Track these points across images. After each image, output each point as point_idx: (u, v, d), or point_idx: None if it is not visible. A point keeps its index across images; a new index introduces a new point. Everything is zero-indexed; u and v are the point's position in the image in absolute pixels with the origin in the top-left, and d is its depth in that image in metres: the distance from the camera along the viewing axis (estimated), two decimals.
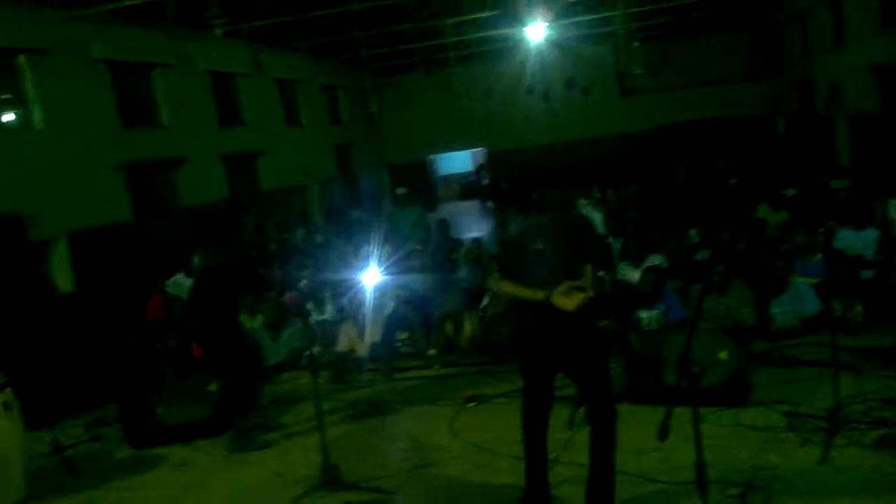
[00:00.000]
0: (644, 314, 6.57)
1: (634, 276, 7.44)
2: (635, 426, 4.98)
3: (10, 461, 4.97)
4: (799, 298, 6.55)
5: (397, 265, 8.36)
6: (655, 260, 7.65)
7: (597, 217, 10.60)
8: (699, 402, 3.23)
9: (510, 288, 3.98)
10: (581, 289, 3.81)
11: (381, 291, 7.55)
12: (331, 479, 4.59)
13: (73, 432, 6.28)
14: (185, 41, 14.19)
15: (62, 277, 10.61)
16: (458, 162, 28.51)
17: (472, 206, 24.97)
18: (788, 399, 5.08)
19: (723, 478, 4.03)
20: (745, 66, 23.56)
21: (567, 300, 3.77)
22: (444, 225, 10.48)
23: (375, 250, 8.30)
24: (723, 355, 5.23)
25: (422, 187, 21.52)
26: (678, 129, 22.01)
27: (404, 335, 7.42)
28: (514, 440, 5.08)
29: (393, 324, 7.38)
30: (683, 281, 7.31)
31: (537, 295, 3.82)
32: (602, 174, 17.46)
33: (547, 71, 22.26)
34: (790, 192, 10.71)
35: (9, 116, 10.60)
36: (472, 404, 5.91)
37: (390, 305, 7.66)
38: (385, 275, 6.95)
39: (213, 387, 6.03)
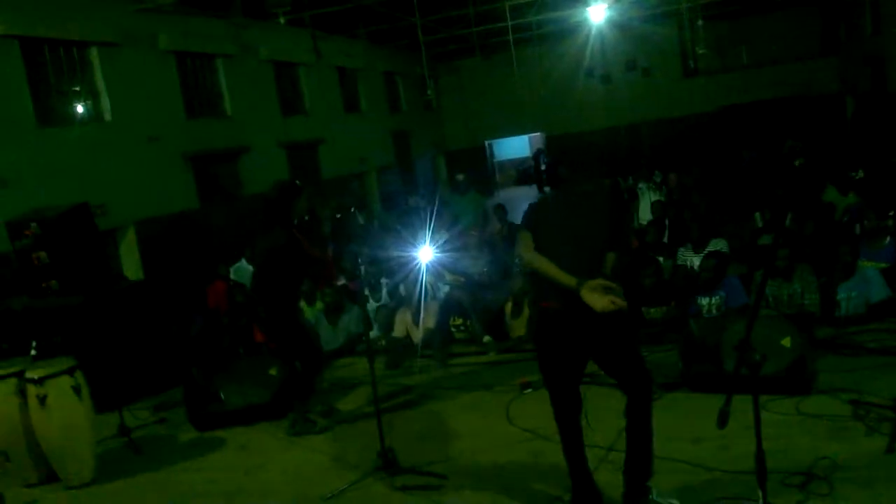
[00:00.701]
0: (704, 300, 6.44)
1: (695, 260, 7.30)
2: (693, 414, 4.92)
3: (80, 442, 5.20)
4: (866, 284, 6.32)
5: (453, 249, 8.38)
6: (718, 245, 7.48)
7: (653, 200, 10.44)
8: (760, 390, 3.15)
9: (543, 263, 3.70)
10: (612, 290, 3.56)
11: (436, 275, 7.59)
12: (387, 463, 4.65)
13: (139, 415, 6.50)
14: (248, 30, 14.44)
15: (130, 265, 10.99)
16: (516, 147, 28.37)
17: (529, 191, 24.83)
18: (853, 387, 4.91)
19: (783, 467, 3.93)
20: (814, 45, 22.73)
21: (597, 299, 3.53)
22: (501, 210, 10.45)
23: (431, 235, 8.33)
24: (785, 342, 5.08)
25: (479, 173, 21.52)
26: (743, 110, 21.39)
27: (459, 321, 7.43)
28: None
29: (447, 310, 7.40)
30: (747, 266, 7.14)
31: (569, 281, 3.59)
32: (663, 158, 17.15)
33: (607, 52, 21.91)
34: (859, 174, 10.34)
35: (80, 108, 10.96)
36: (527, 391, 5.89)
37: (445, 290, 7.69)
38: (439, 256, 6.97)
39: (273, 371, 6.17)
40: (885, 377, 4.90)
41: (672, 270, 7.54)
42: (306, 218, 5.55)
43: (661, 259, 7.53)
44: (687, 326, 5.75)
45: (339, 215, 5.24)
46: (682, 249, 7.79)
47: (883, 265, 6.49)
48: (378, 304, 7.99)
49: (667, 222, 9.01)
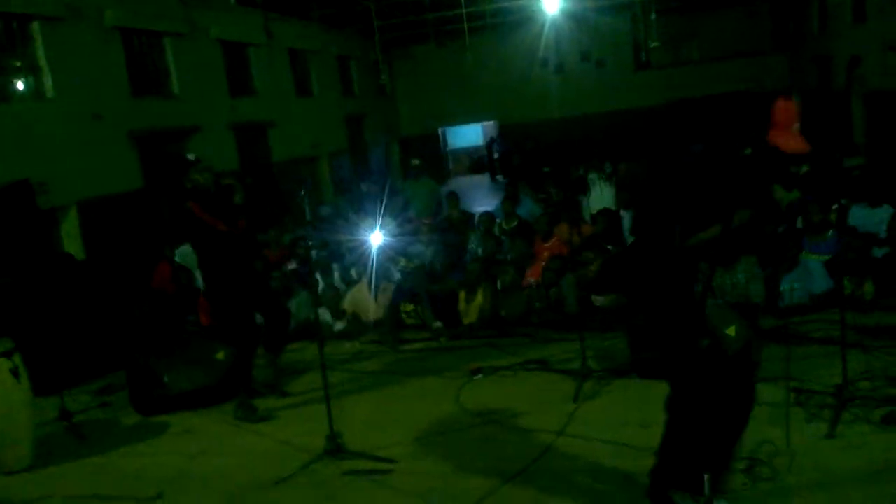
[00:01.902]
0: None
1: None
2: (642, 400, 4.99)
3: (18, 426, 5.04)
4: (809, 275, 6.49)
5: (405, 234, 8.35)
6: None
7: (607, 191, 10.52)
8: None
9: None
10: None
11: (388, 259, 7.56)
12: (335, 448, 4.61)
13: (81, 399, 6.34)
14: (198, 9, 14.11)
15: (73, 245, 10.66)
16: (469, 135, 28.36)
17: (482, 179, 24.88)
18: (796, 375, 5.04)
19: None
20: (764, 41, 23.20)
21: None
22: (453, 197, 10.43)
23: (384, 219, 8.29)
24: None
25: (432, 160, 21.45)
26: (693, 104, 21.73)
27: (409, 307, 7.40)
28: (519, 411, 5.12)
29: (398, 296, 7.37)
30: None
31: None
32: (615, 149, 17.32)
33: (562, 43, 22.03)
34: (803, 169, 10.57)
35: (20, 84, 10.58)
36: (478, 376, 5.91)
37: (396, 275, 7.66)
38: (390, 241, 6.95)
39: (220, 355, 6.05)
40: (826, 366, 5.03)
41: None
42: (211, 191, 5.43)
43: (610, 248, 7.60)
44: (635, 314, 5.81)
45: (249, 180, 5.24)
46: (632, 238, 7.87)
47: (825, 257, 6.65)
48: (327, 285, 7.90)
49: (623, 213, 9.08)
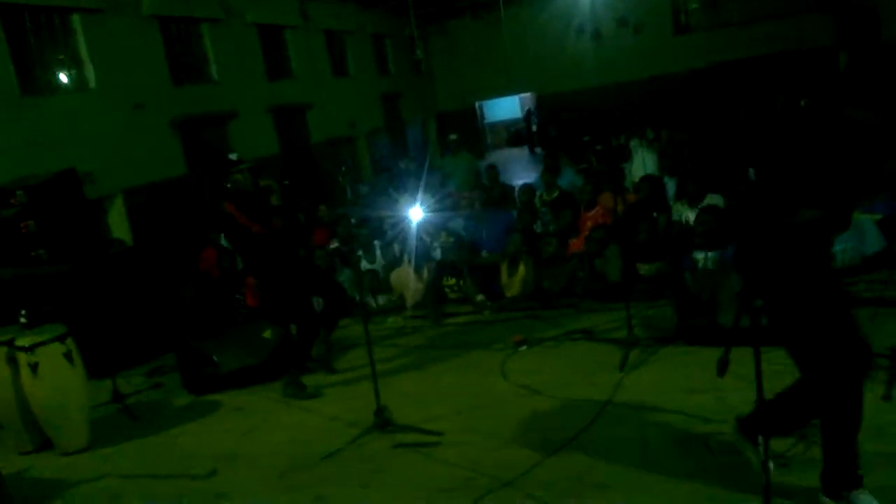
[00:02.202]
0: (700, 255, 6.41)
1: (691, 216, 7.25)
2: (688, 366, 4.93)
3: (74, 408, 5.17)
4: (861, 236, 6.29)
5: (444, 209, 8.33)
6: (713, 200, 7.43)
7: (650, 158, 10.35)
8: (758, 340, 3.11)
9: None
10: None
11: (428, 235, 7.56)
12: (383, 422, 4.64)
13: (133, 381, 6.49)
14: None
15: (120, 233, 10.88)
16: (506, 108, 28.13)
17: (520, 153, 24.70)
18: None
19: None
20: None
21: None
22: (492, 171, 10.35)
23: (423, 195, 8.28)
24: None
25: (470, 135, 21.34)
26: (735, 66, 21.21)
27: (452, 281, 7.39)
28: (564, 382, 5.09)
29: (440, 270, 7.36)
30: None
31: None
32: (655, 115, 17.01)
33: (598, 10, 21.67)
34: None
35: (64, 77, 10.77)
36: (522, 348, 5.89)
37: (437, 251, 7.65)
38: (429, 215, 6.94)
39: (267, 334, 6.14)
40: (880, 327, 4.87)
41: (666, 225, 7.49)
42: (250, 191, 5.54)
43: (655, 215, 7.48)
44: (682, 281, 5.73)
45: (286, 182, 5.29)
46: (677, 204, 7.74)
47: (878, 216, 6.45)
48: (366, 269, 7.94)
49: (666, 180, 8.94)
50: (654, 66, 22.35)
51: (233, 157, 5.58)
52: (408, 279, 7.43)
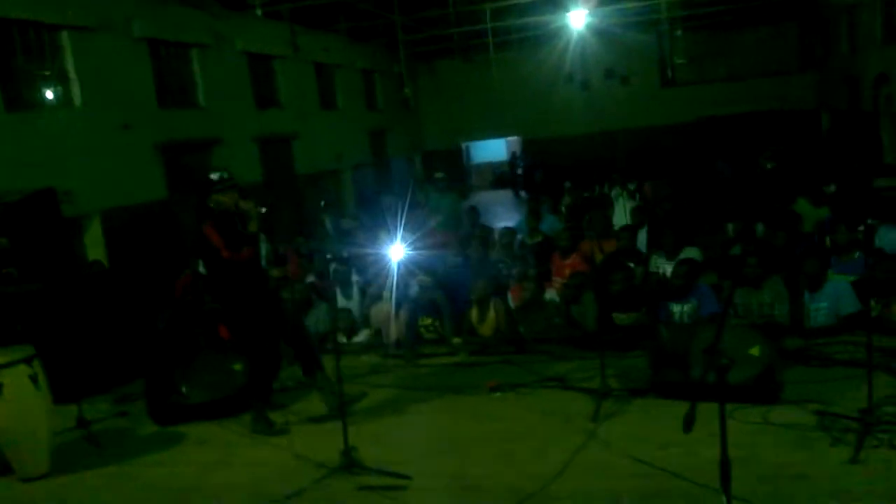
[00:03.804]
0: (676, 307, 6.44)
1: (668, 268, 7.31)
2: (661, 420, 4.90)
3: (36, 433, 5.04)
4: (836, 296, 6.36)
5: (425, 249, 8.31)
6: (691, 253, 7.50)
7: (631, 208, 10.46)
8: (727, 398, 3.12)
9: None
10: None
11: (407, 273, 7.53)
12: (350, 462, 4.57)
13: (99, 407, 6.35)
14: (224, 20, 14.28)
15: (96, 255, 10.76)
16: (492, 150, 28.40)
17: (504, 195, 24.85)
18: (820, 398, 4.93)
19: (749, 475, 3.92)
20: (791, 60, 23.06)
21: None
22: (473, 212, 10.40)
23: (405, 233, 8.27)
24: (754, 351, 5.09)
25: (455, 174, 21.48)
26: (719, 122, 21.60)
27: (428, 321, 7.36)
28: (537, 430, 5.05)
29: (417, 309, 7.33)
30: (718, 275, 7.16)
31: None
32: (639, 166, 17.24)
33: (587, 59, 22.07)
34: (831, 188, 10.45)
35: (49, 93, 10.73)
36: (497, 393, 5.84)
37: (415, 288, 7.62)
38: (410, 254, 6.90)
39: (237, 366, 6.05)
40: (852, 389, 4.90)
41: (643, 276, 7.53)
42: (231, 211, 5.31)
43: (632, 265, 7.52)
44: (657, 332, 5.74)
45: (264, 210, 5.08)
46: (654, 256, 7.80)
47: (852, 278, 6.53)
48: (342, 307, 7.89)
49: (638, 230, 9.03)
50: (641, 118, 22.76)
51: (214, 176, 5.31)
52: (388, 315, 7.37)
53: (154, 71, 12.61)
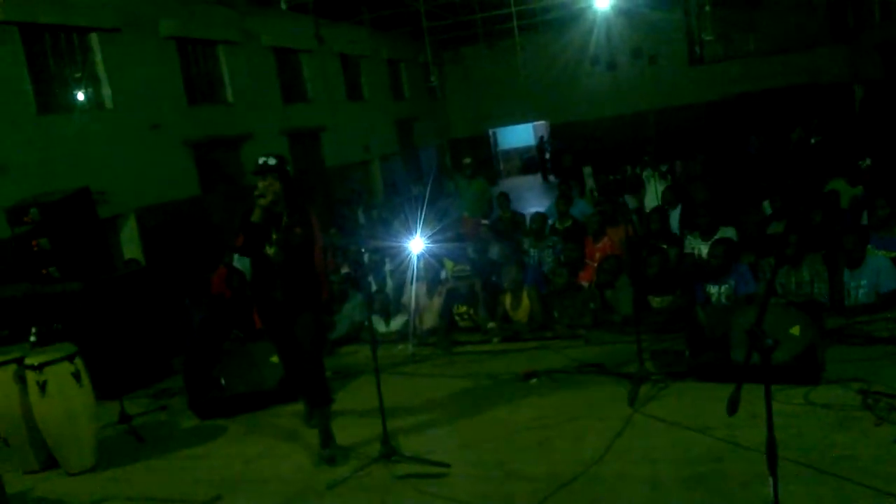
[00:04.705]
0: (713, 288, 6.36)
1: (703, 249, 7.21)
2: (700, 403, 4.85)
3: (81, 429, 5.15)
4: (876, 272, 6.23)
5: (456, 236, 8.31)
6: (727, 233, 7.40)
7: (660, 189, 10.34)
8: (769, 378, 3.06)
9: None
10: None
11: (438, 261, 7.54)
12: (389, 451, 4.59)
13: (140, 402, 6.47)
14: (250, 16, 14.35)
15: (132, 253, 10.92)
16: (520, 135, 28.24)
17: (533, 180, 24.72)
18: (863, 377, 4.84)
19: (792, 457, 3.86)
20: (822, 32, 22.54)
21: None
22: (504, 198, 10.36)
23: (432, 222, 8.27)
24: (794, 331, 5.00)
25: (483, 161, 21.42)
26: (750, 98, 21.24)
27: (463, 309, 7.36)
28: (574, 415, 5.03)
29: (451, 297, 7.33)
30: (755, 254, 7.05)
31: None
32: (669, 146, 17.03)
33: (613, 40, 21.79)
34: (866, 162, 10.23)
35: (80, 95, 10.88)
36: (533, 380, 5.83)
37: (446, 275, 7.63)
38: (441, 243, 6.89)
39: (275, 358, 6.09)
40: (895, 366, 4.82)
41: (678, 258, 7.44)
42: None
43: (665, 247, 7.44)
44: (694, 315, 5.67)
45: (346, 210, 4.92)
46: (689, 237, 7.70)
47: (894, 254, 6.39)
48: (374, 290, 7.92)
49: (670, 211, 8.92)
50: (669, 97, 22.44)
51: (259, 160, 4.89)
52: (421, 304, 7.39)
53: (182, 69, 12.72)
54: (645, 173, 12.10)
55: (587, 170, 16.29)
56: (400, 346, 7.20)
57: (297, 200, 4.95)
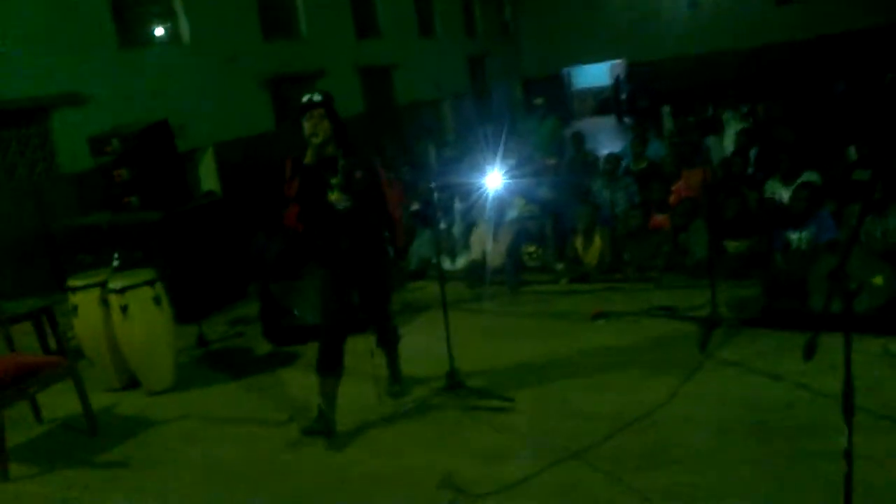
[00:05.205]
0: (793, 234, 6.15)
1: (784, 194, 6.97)
2: (774, 350, 4.76)
3: (161, 350, 5.38)
4: None
5: (528, 174, 8.22)
6: (810, 177, 7.11)
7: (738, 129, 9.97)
8: (850, 325, 2.94)
9: None
10: None
11: (507, 199, 7.48)
12: (455, 384, 4.66)
13: (217, 329, 6.70)
14: None
15: (210, 185, 11.19)
16: (595, 75, 27.46)
17: (607, 121, 24.16)
18: None
19: (869, 407, 3.75)
20: None
21: None
22: (578, 138, 10.17)
23: (503, 161, 8.18)
24: (878, 280, 4.83)
25: (556, 101, 20.98)
26: (838, 39, 20.11)
27: (532, 248, 7.32)
28: (643, 358, 4.99)
29: (519, 236, 7.29)
30: (837, 202, 6.77)
31: None
32: (751, 87, 16.35)
33: None
34: None
35: (159, 30, 11.04)
36: (600, 321, 5.79)
37: (514, 215, 7.58)
38: (510, 180, 6.80)
39: None
40: None
41: (757, 202, 7.21)
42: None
43: (745, 190, 7.21)
44: (772, 260, 5.51)
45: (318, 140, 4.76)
46: (770, 181, 7.43)
47: None
48: (447, 227, 7.94)
49: (753, 153, 8.62)
50: (753, 37, 21.42)
51: (304, 98, 4.38)
52: (484, 243, 7.38)
53: (258, 3, 12.74)
54: (725, 115, 11.69)
55: (665, 109, 15.79)
56: (466, 283, 7.18)
57: (348, 140, 4.46)
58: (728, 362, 4.74)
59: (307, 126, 4.27)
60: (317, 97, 4.32)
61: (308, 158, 4.29)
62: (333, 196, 4.38)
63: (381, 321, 4.85)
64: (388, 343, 4.94)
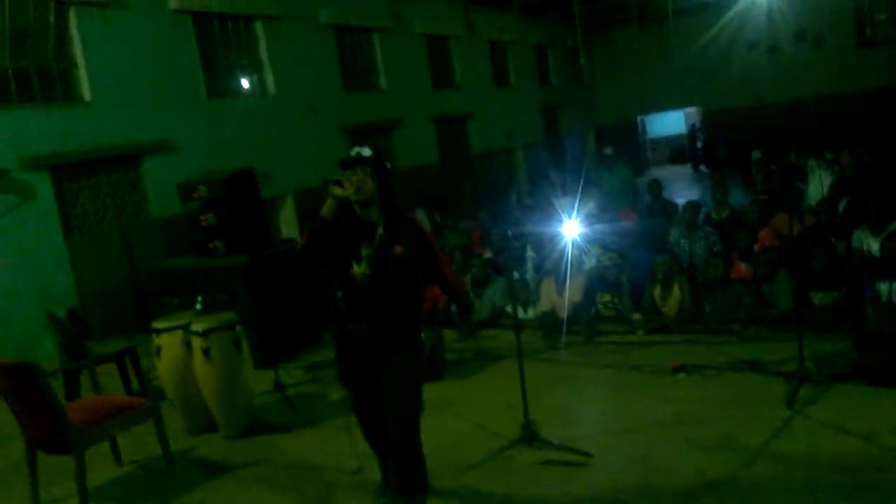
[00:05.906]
0: (883, 286, 5.90)
1: (873, 243, 6.71)
2: (865, 407, 4.54)
3: (239, 394, 5.47)
4: None
5: (601, 224, 8.15)
6: None
7: (828, 180, 9.69)
8: None
9: None
10: None
11: (584, 247, 7.41)
12: (530, 435, 4.59)
13: (293, 374, 6.78)
14: (403, 4, 14.63)
15: (289, 232, 11.47)
16: (670, 124, 27.21)
17: (682, 170, 23.83)
18: None
19: None
20: None
21: None
22: (656, 185, 10.04)
23: (577, 208, 8.14)
24: None
25: (630, 150, 20.84)
26: None
27: (607, 297, 7.22)
28: (725, 414, 4.82)
29: (594, 285, 7.20)
30: None
31: None
32: (834, 135, 15.92)
33: (775, 21, 20.54)
34: None
35: (245, 81, 11.50)
36: (680, 374, 5.64)
37: (590, 263, 7.50)
38: (584, 229, 6.74)
39: (423, 335, 6.21)
40: None
41: (845, 253, 6.96)
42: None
43: (833, 240, 6.98)
44: (862, 313, 5.29)
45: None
46: (858, 231, 7.18)
47: None
48: (517, 279, 7.90)
49: (842, 203, 8.35)
50: (834, 83, 20.90)
51: (353, 152, 3.80)
52: (553, 294, 7.30)
53: (339, 56, 13.17)
54: (809, 163, 11.37)
55: (756, 154, 15.45)
56: (540, 333, 7.13)
57: (395, 205, 3.79)
58: (817, 420, 4.54)
59: (346, 182, 3.62)
60: (366, 152, 3.73)
61: (324, 209, 3.68)
62: (359, 269, 3.68)
63: (400, 444, 3.72)
64: (411, 492, 3.72)
